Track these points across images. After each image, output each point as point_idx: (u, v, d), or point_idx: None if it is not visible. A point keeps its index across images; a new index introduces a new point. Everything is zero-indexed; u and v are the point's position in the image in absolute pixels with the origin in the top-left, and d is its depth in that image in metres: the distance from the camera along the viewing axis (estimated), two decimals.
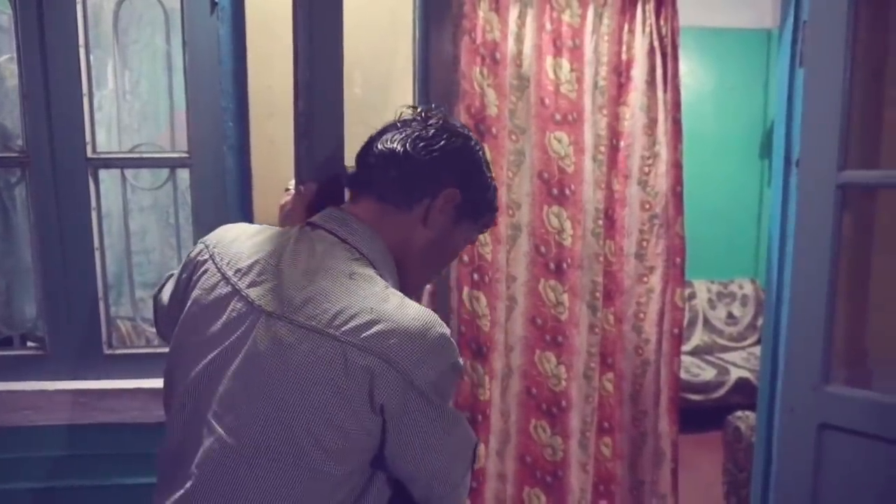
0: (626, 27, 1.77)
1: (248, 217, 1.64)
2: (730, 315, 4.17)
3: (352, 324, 0.77)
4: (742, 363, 3.83)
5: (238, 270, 0.85)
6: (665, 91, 1.83)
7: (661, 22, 1.77)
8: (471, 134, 0.94)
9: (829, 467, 1.68)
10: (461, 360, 0.82)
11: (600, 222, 1.78)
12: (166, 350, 1.64)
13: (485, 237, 1.81)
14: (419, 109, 0.93)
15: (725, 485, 2.69)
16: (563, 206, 1.78)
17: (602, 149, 1.78)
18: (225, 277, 0.86)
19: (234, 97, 1.67)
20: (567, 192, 1.77)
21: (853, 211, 1.72)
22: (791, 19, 1.79)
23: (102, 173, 1.75)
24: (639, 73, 1.77)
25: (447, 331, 0.80)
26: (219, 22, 1.66)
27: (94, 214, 1.69)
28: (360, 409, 0.77)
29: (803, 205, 1.69)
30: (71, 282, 1.68)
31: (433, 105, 0.94)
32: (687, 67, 4.10)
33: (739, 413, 2.65)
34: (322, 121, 1.12)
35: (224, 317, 0.83)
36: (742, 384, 3.58)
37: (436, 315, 0.81)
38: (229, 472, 0.80)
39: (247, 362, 0.80)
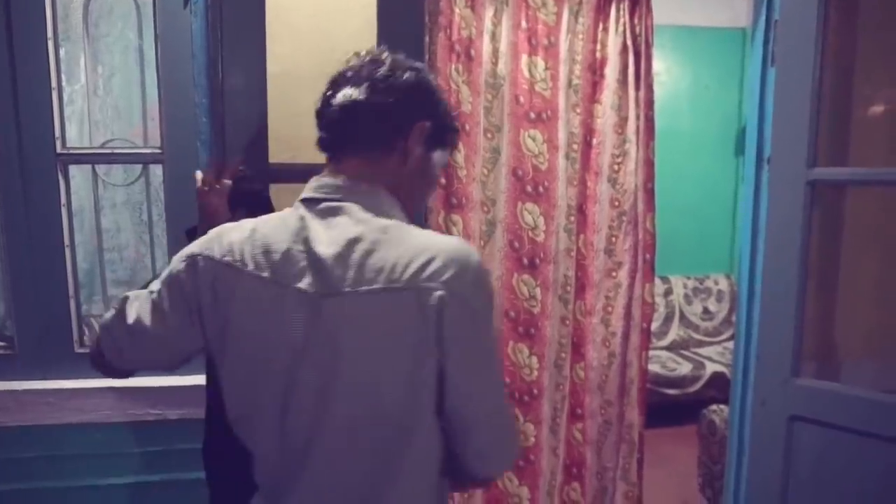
0: (600, 26, 1.78)
1: None
2: (705, 310, 4.23)
3: (410, 270, 0.80)
4: (717, 358, 3.88)
5: (274, 269, 0.85)
6: (637, 89, 1.85)
7: (635, 21, 1.78)
8: (419, 64, 0.94)
9: (799, 457, 1.71)
10: None
11: (572, 218, 1.80)
12: None
13: (459, 233, 1.81)
14: (363, 53, 0.92)
15: (701, 477, 2.74)
16: (536, 202, 1.80)
17: (575, 146, 1.80)
18: (261, 279, 0.85)
19: (207, 92, 1.65)
20: (541, 189, 1.78)
21: (823, 207, 1.75)
22: (763, 18, 1.82)
23: (73, 169, 1.73)
24: (611, 71, 1.79)
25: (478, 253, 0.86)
26: (192, 16, 1.64)
27: (64, 211, 1.66)
28: (433, 346, 0.80)
29: (774, 201, 1.72)
30: (40, 280, 1.65)
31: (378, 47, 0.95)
32: (663, 65, 4.14)
33: (714, 406, 2.69)
34: (237, 123, 1.16)
35: (282, 316, 0.83)
36: (717, 378, 3.63)
37: (465, 241, 0.87)
38: (349, 446, 0.84)
39: (331, 347, 0.81)
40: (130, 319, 0.92)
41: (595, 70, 1.82)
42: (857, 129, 1.86)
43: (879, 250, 1.84)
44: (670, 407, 3.48)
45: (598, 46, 1.79)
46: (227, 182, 1.20)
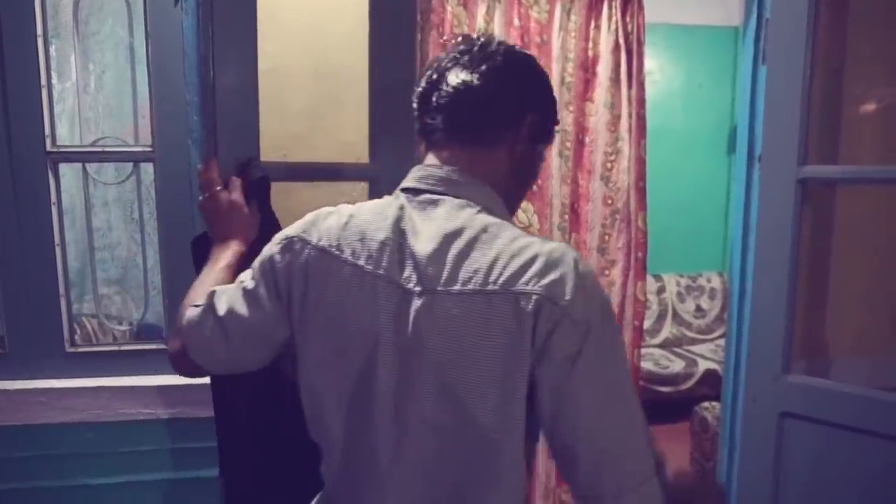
0: (592, 23, 1.78)
1: None
2: (698, 308, 4.24)
3: (507, 273, 0.75)
4: (710, 355, 3.90)
5: (369, 258, 0.81)
6: (630, 87, 1.85)
7: (627, 19, 1.78)
8: (530, 53, 0.90)
9: (789, 454, 1.72)
10: None
11: (566, 217, 1.80)
12: (133, 347, 1.62)
13: None
14: (475, 37, 0.87)
15: (693, 474, 2.75)
16: (530, 201, 1.79)
17: (568, 144, 1.79)
18: (357, 267, 0.81)
19: (198, 90, 1.65)
20: (534, 187, 1.78)
21: (813, 205, 1.76)
22: (754, 17, 1.83)
23: (63, 167, 1.71)
24: (604, 69, 1.79)
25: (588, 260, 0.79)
26: (183, 13, 1.63)
27: (54, 209, 1.65)
28: (528, 355, 0.74)
29: (765, 199, 1.73)
30: (31, 279, 1.64)
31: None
32: (656, 64, 4.15)
33: (706, 404, 2.70)
34: (228, 121, 1.17)
35: (374, 306, 0.80)
36: (710, 376, 3.65)
37: (570, 247, 0.80)
38: (433, 451, 0.79)
39: (417, 346, 0.77)
40: (222, 311, 0.87)
41: (587, 68, 1.82)
42: (846, 126, 1.87)
43: (869, 247, 1.85)
44: (663, 404, 3.49)
45: (591, 44, 1.79)
46: (236, 178, 1.18)
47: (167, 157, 1.67)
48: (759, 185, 1.76)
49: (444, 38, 1.67)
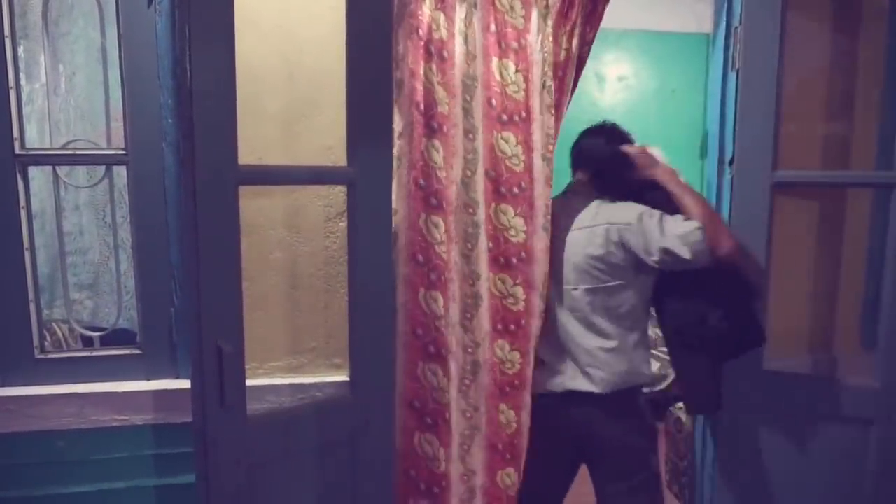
0: (563, 29, 1.79)
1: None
2: None
3: (606, 217, 1.75)
4: None
5: (560, 217, 1.84)
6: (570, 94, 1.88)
7: (587, 27, 1.82)
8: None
9: (761, 448, 1.76)
10: None
11: (548, 217, 1.80)
12: (106, 352, 1.61)
13: (441, 236, 1.77)
14: (601, 123, 1.90)
15: (668, 473, 2.79)
16: (513, 203, 1.80)
17: (551, 147, 1.80)
18: (560, 226, 1.83)
19: (173, 93, 1.63)
20: (514, 190, 1.78)
21: (781, 207, 1.80)
22: (723, 24, 1.87)
23: (33, 170, 1.68)
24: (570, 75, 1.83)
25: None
26: (157, 15, 1.61)
27: (23, 213, 1.61)
28: (613, 247, 1.72)
29: (739, 202, 1.77)
30: None
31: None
32: (631, 69, 4.21)
33: (681, 404, 2.74)
34: (204, 125, 1.15)
35: (564, 237, 1.81)
36: None
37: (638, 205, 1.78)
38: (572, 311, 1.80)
39: (566, 253, 1.79)
40: None
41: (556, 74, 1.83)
42: (818, 131, 1.92)
43: (833, 248, 1.90)
44: None
45: (561, 50, 1.80)
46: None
47: (141, 160, 1.65)
48: (729, 188, 1.80)
49: (424, 40, 1.67)
